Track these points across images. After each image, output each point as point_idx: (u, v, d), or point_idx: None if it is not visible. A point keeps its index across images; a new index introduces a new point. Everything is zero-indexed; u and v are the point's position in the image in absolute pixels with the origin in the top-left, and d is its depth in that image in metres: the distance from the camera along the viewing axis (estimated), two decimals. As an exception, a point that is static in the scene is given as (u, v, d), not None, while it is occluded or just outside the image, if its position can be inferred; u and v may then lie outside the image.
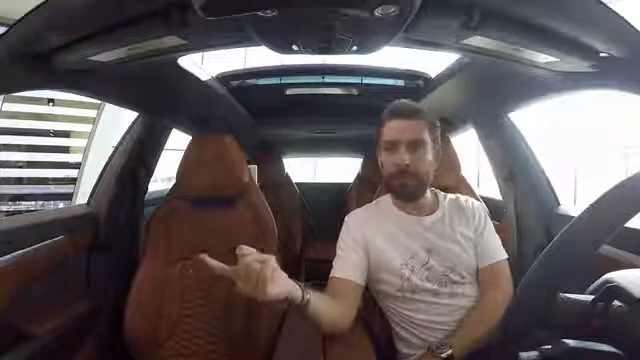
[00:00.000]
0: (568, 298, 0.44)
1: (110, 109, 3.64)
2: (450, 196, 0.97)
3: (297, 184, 2.51)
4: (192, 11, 0.57)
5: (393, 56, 1.34)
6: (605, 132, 4.33)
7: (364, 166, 2.34)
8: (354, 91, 1.58)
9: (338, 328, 0.79)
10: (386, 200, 0.97)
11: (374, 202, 1.01)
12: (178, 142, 1.54)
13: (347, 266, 0.87)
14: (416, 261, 0.86)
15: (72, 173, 3.82)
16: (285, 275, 0.63)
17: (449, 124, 1.54)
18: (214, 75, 1.33)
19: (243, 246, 0.58)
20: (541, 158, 1.23)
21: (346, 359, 0.79)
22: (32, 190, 3.80)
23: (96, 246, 1.14)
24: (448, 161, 1.22)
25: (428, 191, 0.93)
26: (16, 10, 0.62)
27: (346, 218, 0.96)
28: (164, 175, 2.48)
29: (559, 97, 0.99)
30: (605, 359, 0.37)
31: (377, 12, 0.61)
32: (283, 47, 0.80)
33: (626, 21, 0.58)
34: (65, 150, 4.01)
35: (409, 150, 0.85)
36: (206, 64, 1.25)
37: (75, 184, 3.77)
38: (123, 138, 1.27)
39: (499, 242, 0.92)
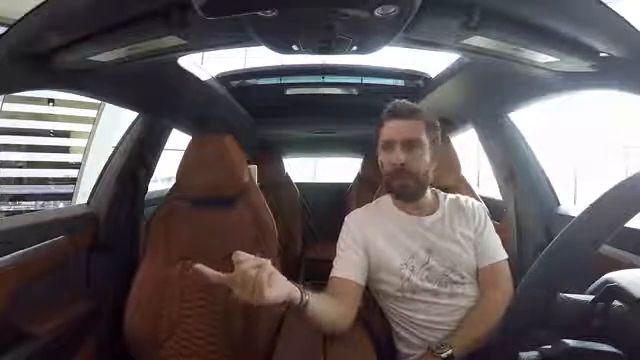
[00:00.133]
0: (568, 298, 0.44)
1: (110, 109, 3.65)
2: (450, 196, 0.97)
3: (297, 184, 2.51)
4: (192, 11, 0.57)
5: (393, 56, 1.34)
6: (605, 132, 4.33)
7: (364, 166, 2.34)
8: (354, 91, 1.58)
9: (338, 328, 0.79)
10: (386, 200, 0.97)
11: (374, 202, 1.01)
12: (178, 142, 1.54)
13: (347, 266, 0.87)
14: (416, 261, 0.86)
15: (72, 173, 3.82)
16: (283, 278, 0.63)
17: (449, 124, 1.54)
18: (214, 75, 1.33)
19: (239, 252, 0.57)
20: (541, 158, 1.23)
21: (346, 359, 0.79)
22: (32, 190, 3.80)
23: (96, 246, 1.14)
24: (448, 161, 1.22)
25: (428, 191, 0.93)
26: (16, 10, 0.62)
27: (346, 218, 0.96)
28: (164, 175, 2.48)
29: (559, 97, 0.99)
30: (605, 359, 0.37)
31: (377, 12, 0.61)
32: (283, 47, 0.80)
33: (626, 21, 0.58)
34: (65, 150, 4.01)
35: (405, 150, 0.85)
36: (206, 64, 1.25)
37: (75, 184, 3.77)
38: (123, 138, 1.27)
39: (499, 242, 0.92)
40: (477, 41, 0.74)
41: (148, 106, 1.21)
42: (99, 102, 3.43)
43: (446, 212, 0.92)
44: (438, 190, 0.99)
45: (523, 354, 0.41)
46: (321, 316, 0.73)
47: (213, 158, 1.14)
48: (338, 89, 1.58)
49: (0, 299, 0.80)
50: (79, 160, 3.80)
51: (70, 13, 0.62)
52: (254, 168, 1.78)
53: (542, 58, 0.76)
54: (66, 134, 3.97)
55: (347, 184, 2.48)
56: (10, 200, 3.71)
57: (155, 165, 1.36)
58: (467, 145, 1.81)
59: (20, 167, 3.83)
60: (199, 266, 0.57)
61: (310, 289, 0.71)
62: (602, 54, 0.68)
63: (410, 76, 1.46)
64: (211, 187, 1.15)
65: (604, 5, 0.57)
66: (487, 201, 1.13)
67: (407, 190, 0.88)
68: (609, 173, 3.92)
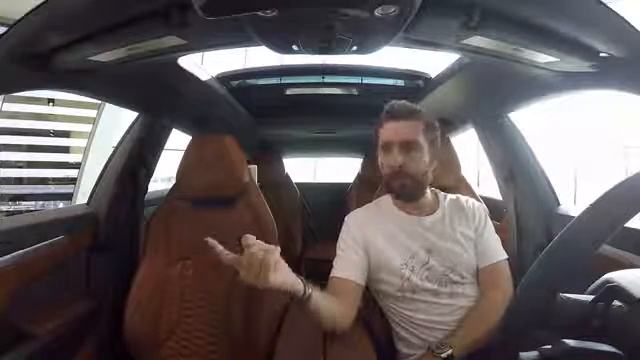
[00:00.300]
0: (568, 298, 0.44)
1: (110, 109, 3.65)
2: (450, 196, 0.97)
3: (297, 184, 2.51)
4: (192, 11, 0.57)
5: (393, 56, 1.34)
6: (605, 132, 4.33)
7: (364, 166, 2.34)
8: (354, 91, 1.58)
9: (338, 327, 0.79)
10: (386, 200, 0.97)
11: (374, 202, 1.01)
12: (178, 142, 1.54)
13: (347, 266, 0.87)
14: (416, 261, 0.86)
15: (72, 173, 3.82)
16: (288, 268, 0.64)
17: (449, 124, 1.54)
18: (214, 75, 1.33)
19: (248, 235, 0.59)
20: (541, 158, 1.23)
21: (346, 359, 0.79)
22: (32, 190, 3.80)
23: (96, 246, 1.14)
24: (448, 161, 1.22)
25: (428, 191, 0.93)
26: (16, 10, 0.62)
27: (346, 218, 0.96)
28: (164, 175, 2.48)
29: (559, 97, 0.99)
30: (605, 359, 0.37)
31: (377, 12, 0.61)
32: (283, 47, 0.80)
33: (626, 21, 0.58)
34: (65, 150, 4.01)
35: (402, 151, 0.85)
36: (206, 64, 1.25)
37: (75, 184, 3.77)
38: (123, 138, 1.27)
39: (499, 242, 0.92)
40: (477, 41, 0.74)
41: (148, 106, 1.21)
42: (99, 102, 3.43)
43: (446, 212, 0.92)
44: (438, 190, 0.99)
45: (523, 354, 0.41)
46: (323, 311, 0.73)
47: (213, 158, 1.14)
48: (338, 89, 1.58)
49: (0, 299, 0.80)
50: (79, 160, 3.81)
51: (70, 13, 0.62)
52: (254, 168, 1.78)
53: (542, 58, 0.76)
54: (66, 134, 3.98)
55: (347, 184, 2.48)
56: (10, 200, 3.71)
57: (155, 165, 1.36)
58: (467, 145, 1.81)
59: (20, 167, 3.83)
60: (210, 240, 0.60)
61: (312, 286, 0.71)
62: (602, 54, 0.68)
63: (410, 76, 1.45)
64: (211, 187, 1.15)
65: (604, 5, 0.57)
66: (487, 201, 1.13)
67: (406, 190, 0.88)
68: (609, 173, 3.92)
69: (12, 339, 0.83)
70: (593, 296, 0.43)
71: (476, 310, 0.84)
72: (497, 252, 0.90)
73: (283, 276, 0.61)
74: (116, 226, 1.20)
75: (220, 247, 0.60)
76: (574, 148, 4.36)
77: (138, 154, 1.25)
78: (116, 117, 3.48)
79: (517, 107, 1.18)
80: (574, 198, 3.85)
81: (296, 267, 2.21)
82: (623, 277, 0.43)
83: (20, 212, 3.49)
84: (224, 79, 1.40)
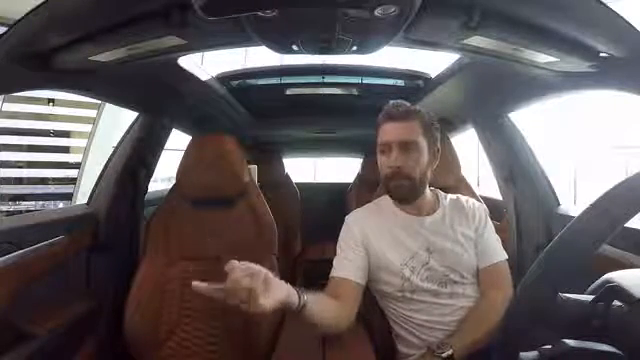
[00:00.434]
0: (568, 298, 0.44)
1: (110, 109, 3.65)
2: (451, 196, 0.97)
3: (297, 184, 2.51)
4: (192, 11, 0.57)
5: (393, 56, 1.34)
6: (605, 132, 4.33)
7: (364, 166, 2.34)
8: (354, 91, 1.57)
9: (338, 328, 0.79)
10: (386, 200, 0.97)
11: (374, 202, 1.01)
12: (178, 142, 1.54)
13: (347, 266, 0.87)
14: (416, 261, 0.86)
15: (72, 173, 3.82)
16: (279, 282, 0.62)
17: (449, 124, 1.54)
18: (214, 75, 1.33)
19: (232, 261, 0.57)
20: (541, 158, 1.23)
21: (346, 359, 0.79)
22: (32, 190, 3.81)
23: (96, 246, 1.14)
24: (448, 161, 1.22)
25: (428, 191, 0.93)
26: (16, 10, 0.62)
27: (346, 218, 0.96)
28: (164, 175, 2.48)
29: (559, 97, 0.99)
30: (605, 359, 0.37)
31: (377, 12, 0.61)
32: (283, 47, 0.80)
33: (626, 21, 0.58)
34: (65, 150, 4.02)
35: (401, 152, 0.85)
36: (206, 64, 1.25)
37: (75, 184, 3.77)
38: (123, 138, 1.27)
39: (499, 242, 0.92)
40: (477, 41, 0.74)
41: (148, 106, 1.21)
42: (99, 102, 3.44)
43: (446, 212, 0.92)
44: (438, 190, 0.99)
45: (523, 354, 0.41)
46: (320, 318, 0.72)
47: (213, 158, 1.14)
48: (338, 89, 1.58)
49: (0, 299, 0.80)
50: (79, 160, 3.81)
51: (70, 13, 0.62)
52: (254, 168, 1.78)
53: (542, 58, 0.75)
54: (66, 134, 3.98)
55: (347, 184, 2.48)
56: (10, 200, 3.71)
57: (155, 165, 1.36)
58: (467, 145, 1.81)
59: (20, 167, 3.83)
60: (196, 284, 0.57)
61: (309, 291, 0.71)
62: (602, 54, 0.68)
63: (410, 76, 1.45)
64: (211, 187, 1.15)
65: (604, 5, 0.57)
66: (487, 201, 1.13)
67: (402, 191, 0.88)
68: (609, 173, 3.92)
69: (12, 339, 0.83)
70: (593, 296, 0.43)
71: (476, 310, 0.84)
72: (497, 252, 0.90)
73: (275, 295, 0.59)
74: (116, 226, 1.20)
75: (204, 286, 0.57)
76: (574, 148, 4.36)
77: (138, 154, 1.25)
78: (116, 117, 3.48)
79: (517, 107, 1.18)
80: (574, 198, 3.85)
81: (296, 267, 2.23)
82: (623, 277, 0.43)
83: (20, 212, 3.50)
84: (224, 79, 1.40)
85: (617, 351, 0.37)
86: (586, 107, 3.76)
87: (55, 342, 0.91)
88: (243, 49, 0.93)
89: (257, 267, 0.57)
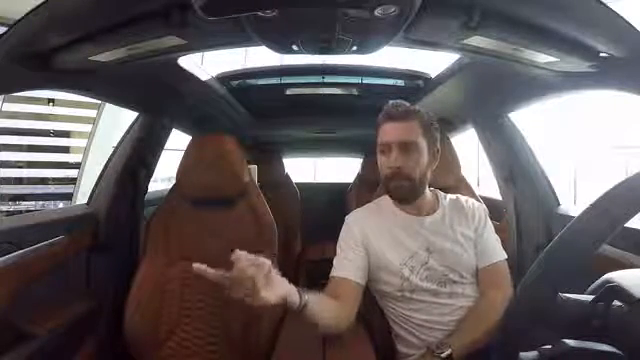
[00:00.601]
0: (568, 298, 0.44)
1: (110, 109, 3.65)
2: (450, 196, 0.97)
3: (297, 184, 2.51)
4: (192, 11, 0.57)
5: (393, 56, 1.34)
6: (605, 132, 4.33)
7: (364, 166, 2.34)
8: (354, 91, 1.57)
9: (338, 328, 0.79)
10: (386, 200, 0.97)
11: (374, 202, 1.01)
12: (178, 142, 1.54)
13: (347, 266, 0.87)
14: (416, 261, 0.86)
15: (72, 173, 3.82)
16: (282, 279, 0.63)
17: (449, 124, 1.54)
18: (214, 75, 1.33)
19: (238, 250, 0.57)
20: (541, 158, 1.23)
21: (346, 358, 0.79)
22: (32, 190, 3.81)
23: (96, 246, 1.14)
24: (448, 161, 1.22)
25: (428, 191, 0.93)
26: (16, 10, 0.62)
27: (346, 218, 0.96)
28: (164, 175, 2.48)
29: (559, 97, 0.99)
30: (605, 359, 0.37)
31: (377, 12, 0.61)
32: (283, 47, 0.80)
33: (626, 21, 0.58)
34: (65, 150, 4.02)
35: (401, 152, 0.85)
36: (206, 64, 1.25)
37: (75, 184, 3.77)
38: (123, 138, 1.27)
39: (499, 242, 0.92)
40: (477, 41, 0.74)
41: (148, 106, 1.21)
42: (99, 102, 3.44)
43: (446, 212, 0.92)
44: (438, 190, 0.99)
45: (523, 354, 0.41)
46: (320, 318, 0.73)
47: (213, 158, 1.14)
48: (338, 89, 1.58)
49: (0, 299, 0.80)
50: (79, 160, 3.81)
51: (70, 13, 0.62)
52: (254, 168, 1.78)
53: (542, 58, 0.75)
54: (66, 134, 3.98)
55: (347, 184, 2.48)
56: (10, 200, 3.71)
57: (155, 165, 1.36)
58: (467, 145, 1.81)
59: (20, 167, 3.83)
60: (197, 266, 0.57)
61: (309, 291, 0.71)
62: (602, 54, 0.68)
63: (410, 76, 1.45)
64: (211, 187, 1.15)
65: (604, 5, 0.57)
66: (487, 201, 1.13)
67: (402, 191, 0.88)
68: (609, 173, 3.92)
69: (12, 339, 0.83)
70: (593, 296, 0.43)
71: (476, 310, 0.84)
72: (497, 252, 0.90)
73: (276, 290, 0.59)
74: (116, 226, 1.20)
75: (209, 269, 0.57)
76: (574, 148, 4.36)
77: (138, 154, 1.25)
78: (116, 117, 3.48)
79: (517, 107, 1.18)
80: (574, 198, 3.85)
81: (296, 267, 2.23)
82: (623, 277, 0.43)
83: (20, 212, 3.50)
84: (224, 79, 1.40)
85: (617, 351, 0.37)
86: (586, 107, 3.76)
87: (55, 342, 0.91)
88: (243, 49, 0.93)
89: (262, 259, 0.58)
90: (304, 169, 3.96)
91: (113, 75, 0.89)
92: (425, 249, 0.87)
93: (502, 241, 0.94)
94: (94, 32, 0.68)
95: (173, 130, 1.43)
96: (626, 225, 0.40)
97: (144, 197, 1.33)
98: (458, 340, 0.79)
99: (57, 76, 0.78)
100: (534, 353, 0.41)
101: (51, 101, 3.69)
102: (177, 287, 1.09)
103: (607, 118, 3.94)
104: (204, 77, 1.19)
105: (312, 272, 2.11)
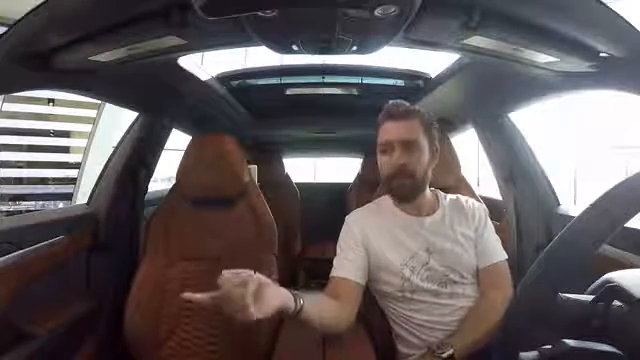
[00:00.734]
0: (568, 298, 0.44)
1: (110, 109, 3.65)
2: (450, 196, 0.97)
3: (297, 184, 2.51)
4: (192, 11, 0.57)
5: (393, 56, 1.34)
6: (605, 132, 4.32)
7: (364, 166, 2.34)
8: (354, 91, 1.57)
9: (338, 328, 0.79)
10: (386, 200, 0.97)
11: (374, 202, 1.01)
12: (178, 142, 1.54)
13: (347, 266, 0.87)
14: (416, 261, 0.86)
15: (72, 173, 3.82)
16: (276, 288, 0.63)
17: (449, 124, 1.54)
18: (214, 75, 1.33)
19: (224, 271, 0.58)
20: (541, 158, 1.23)
21: (346, 359, 0.79)
22: (32, 190, 3.81)
23: (96, 246, 1.14)
24: (448, 161, 1.22)
25: (428, 191, 0.93)
26: (16, 10, 0.62)
27: (346, 218, 0.96)
28: (164, 175, 2.48)
29: (559, 97, 0.99)
30: (605, 359, 0.37)
31: (377, 12, 0.61)
32: (283, 47, 0.80)
33: (626, 21, 0.58)
34: (65, 150, 4.02)
35: (403, 151, 0.85)
36: (206, 64, 1.25)
37: (75, 184, 3.77)
38: (123, 138, 1.27)
39: (499, 242, 0.92)
40: (477, 41, 0.74)
41: (148, 106, 1.21)
42: (99, 102, 3.44)
43: (446, 212, 0.92)
44: (438, 190, 0.99)
45: (523, 354, 0.41)
46: (319, 319, 0.72)
47: (213, 158, 1.14)
48: (338, 89, 1.58)
49: (0, 299, 0.80)
50: (79, 160, 3.81)
51: (70, 13, 0.62)
52: (254, 168, 1.78)
53: (542, 58, 0.75)
54: (66, 134, 3.98)
55: (347, 184, 2.48)
56: (10, 200, 3.71)
57: (155, 165, 1.36)
58: (467, 145, 1.81)
59: (20, 167, 3.83)
60: (188, 295, 0.59)
61: (310, 289, 0.71)
62: (602, 54, 0.68)
63: (410, 76, 1.45)
64: (211, 187, 1.15)
65: (604, 5, 0.57)
66: (487, 201, 1.13)
67: (404, 189, 0.88)
68: (609, 173, 3.92)
69: (12, 339, 0.83)
70: (593, 296, 0.43)
71: (476, 310, 0.84)
72: (497, 252, 0.90)
73: (269, 304, 0.59)
74: (116, 226, 1.20)
75: (197, 296, 0.59)
76: (574, 148, 4.36)
77: (138, 154, 1.25)
78: (116, 117, 3.48)
79: (517, 107, 1.18)
80: (574, 198, 3.84)
81: (296, 267, 2.23)
82: (623, 277, 0.43)
83: (20, 212, 3.50)
84: (224, 79, 1.40)
85: (617, 351, 0.37)
86: (586, 107, 3.75)
87: (55, 342, 0.91)
88: (243, 49, 0.93)
89: (247, 277, 0.58)
90: (304, 169, 3.96)
91: (113, 75, 0.89)
92: (425, 249, 0.87)
93: (502, 241, 0.94)
94: (94, 32, 0.68)
95: (173, 130, 1.44)
96: (626, 225, 0.40)
97: (144, 197, 1.33)
98: (460, 340, 0.79)
99: (57, 76, 0.78)
100: (534, 353, 0.41)
101: (51, 101, 3.69)
102: (177, 287, 1.09)
103: (607, 118, 3.94)
104: (204, 77, 1.19)
105: (312, 272, 2.11)
